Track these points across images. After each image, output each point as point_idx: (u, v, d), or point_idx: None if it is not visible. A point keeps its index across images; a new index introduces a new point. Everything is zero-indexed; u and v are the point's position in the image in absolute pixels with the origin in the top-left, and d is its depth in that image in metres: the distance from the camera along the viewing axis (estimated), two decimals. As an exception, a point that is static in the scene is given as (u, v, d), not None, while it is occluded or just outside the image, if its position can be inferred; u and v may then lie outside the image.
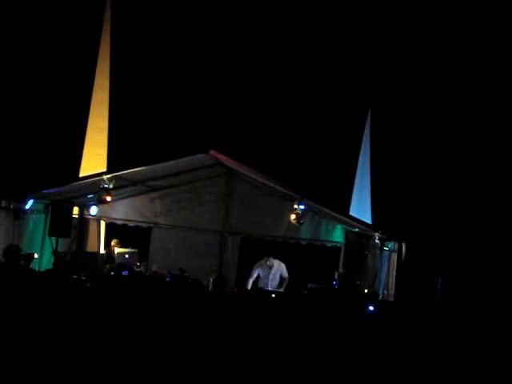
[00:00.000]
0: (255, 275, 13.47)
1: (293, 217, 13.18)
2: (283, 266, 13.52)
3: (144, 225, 14.82)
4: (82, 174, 14.53)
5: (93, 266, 12.66)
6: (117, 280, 12.05)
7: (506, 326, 10.24)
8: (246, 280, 13.46)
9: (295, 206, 13.08)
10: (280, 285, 13.42)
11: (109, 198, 13.10)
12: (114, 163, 14.75)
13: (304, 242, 14.49)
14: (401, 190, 17.81)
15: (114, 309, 9.27)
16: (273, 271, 13.43)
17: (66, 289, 10.26)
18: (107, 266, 13.17)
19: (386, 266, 12.98)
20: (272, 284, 13.34)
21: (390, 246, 13.03)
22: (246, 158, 13.42)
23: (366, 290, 12.39)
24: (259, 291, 12.74)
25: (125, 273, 12.61)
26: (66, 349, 7.94)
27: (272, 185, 13.70)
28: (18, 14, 17.95)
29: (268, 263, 13.39)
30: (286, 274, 13.49)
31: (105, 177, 12.76)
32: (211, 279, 12.29)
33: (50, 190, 12.97)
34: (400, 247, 12.99)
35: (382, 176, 16.62)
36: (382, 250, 12.92)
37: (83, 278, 11.55)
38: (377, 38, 18.55)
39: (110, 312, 9.15)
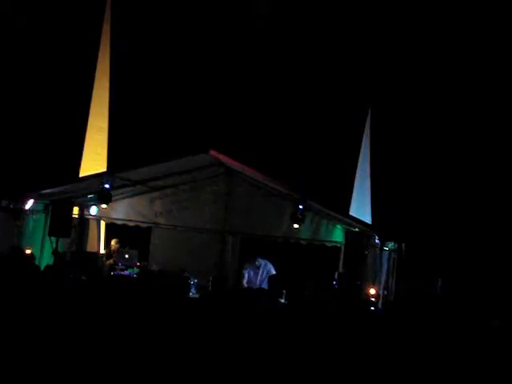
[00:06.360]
0: (247, 276, 13.46)
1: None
2: (270, 265, 13.50)
3: (144, 225, 14.80)
4: (82, 174, 14.55)
5: (93, 266, 12.69)
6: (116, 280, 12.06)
7: (506, 326, 10.25)
8: (241, 282, 13.48)
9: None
10: None
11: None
12: (113, 163, 14.76)
13: (304, 242, 14.49)
14: (400, 190, 17.81)
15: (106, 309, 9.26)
16: (260, 271, 13.43)
17: (66, 288, 10.24)
18: (107, 263, 13.25)
19: (386, 266, 12.98)
20: (261, 284, 13.35)
21: (390, 245, 13.03)
22: (246, 158, 13.41)
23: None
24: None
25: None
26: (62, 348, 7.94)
27: (272, 185, 13.69)
28: (18, 14, 17.95)
29: (257, 263, 13.40)
30: (273, 273, 13.47)
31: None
32: (211, 279, 12.27)
33: (50, 190, 12.96)
34: (400, 247, 12.99)
35: (382, 176, 16.61)
36: (382, 249, 12.92)
37: (83, 277, 11.55)
38: (376, 37, 18.54)
39: (103, 312, 9.14)
